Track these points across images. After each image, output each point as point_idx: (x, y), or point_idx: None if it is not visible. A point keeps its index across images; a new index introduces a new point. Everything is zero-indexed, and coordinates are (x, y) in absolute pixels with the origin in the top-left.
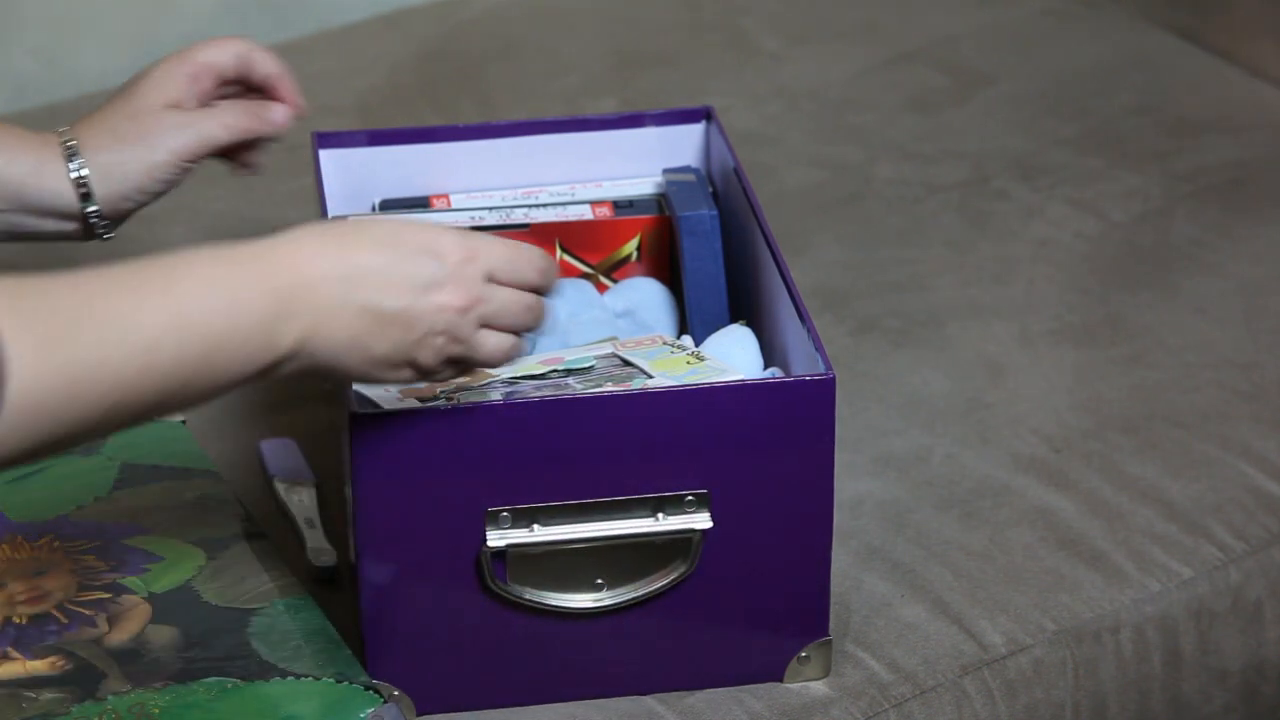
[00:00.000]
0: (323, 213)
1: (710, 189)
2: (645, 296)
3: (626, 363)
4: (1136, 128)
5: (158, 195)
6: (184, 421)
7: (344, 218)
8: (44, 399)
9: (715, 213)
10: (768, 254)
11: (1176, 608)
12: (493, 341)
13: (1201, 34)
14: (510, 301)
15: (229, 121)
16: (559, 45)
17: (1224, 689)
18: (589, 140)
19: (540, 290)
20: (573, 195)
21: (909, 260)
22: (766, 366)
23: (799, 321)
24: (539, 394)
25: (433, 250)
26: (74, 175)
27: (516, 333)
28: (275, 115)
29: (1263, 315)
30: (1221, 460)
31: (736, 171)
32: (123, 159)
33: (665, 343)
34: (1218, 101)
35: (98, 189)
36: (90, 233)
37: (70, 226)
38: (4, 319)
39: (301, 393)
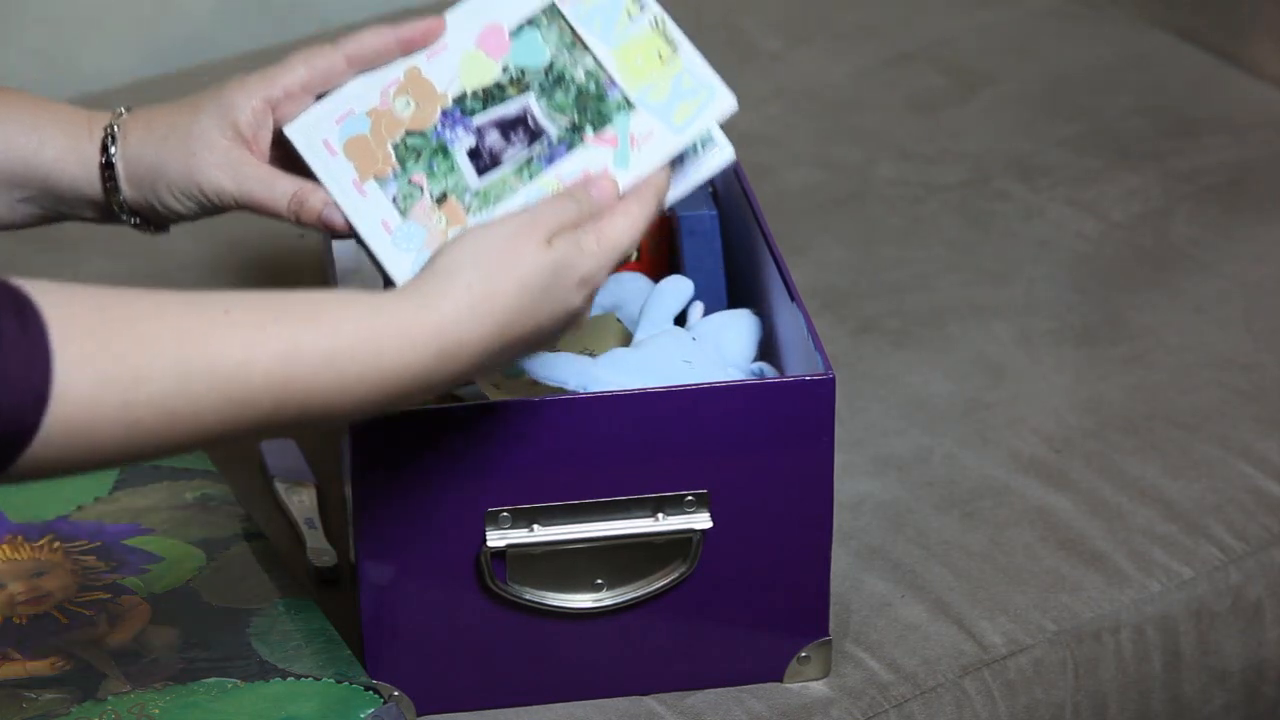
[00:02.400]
0: None
1: (710, 189)
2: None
3: (579, 40)
4: (1136, 128)
5: (209, 199)
6: None
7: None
8: (93, 432)
9: (715, 213)
10: (767, 254)
11: (1176, 608)
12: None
13: (1201, 34)
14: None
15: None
16: None
17: (1224, 689)
18: None
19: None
20: None
21: (909, 260)
22: (758, 359)
23: (799, 321)
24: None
25: (569, 294)
26: (101, 160)
27: None
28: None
29: (1263, 315)
30: (1221, 460)
31: (736, 171)
32: (156, 171)
33: None
34: (1218, 101)
35: (127, 178)
36: (117, 218)
37: (93, 215)
38: (61, 344)
39: None
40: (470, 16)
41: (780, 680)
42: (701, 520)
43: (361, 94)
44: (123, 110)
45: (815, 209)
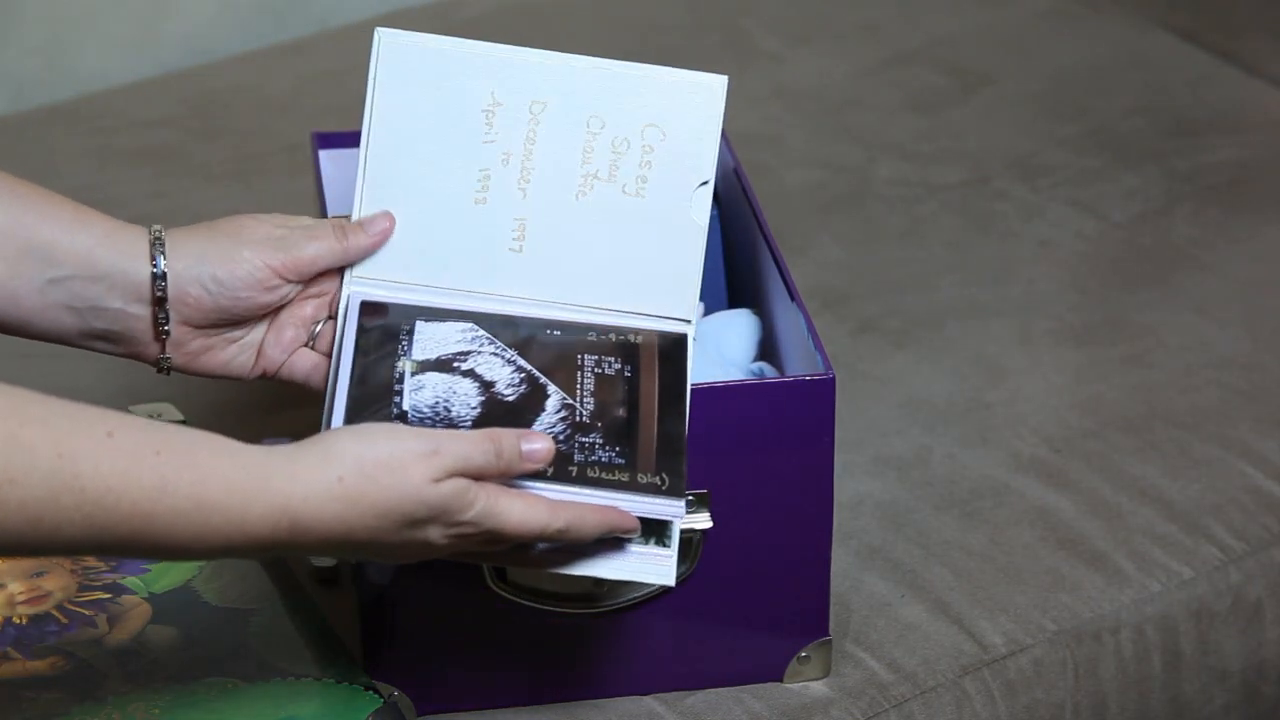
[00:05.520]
0: (322, 212)
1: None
2: None
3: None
4: (1136, 128)
5: (233, 310)
6: (184, 421)
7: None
8: None
9: (715, 213)
10: (767, 254)
11: (1176, 608)
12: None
13: (1201, 34)
14: (489, 557)
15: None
16: (559, 45)
17: (1224, 689)
18: None
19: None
20: None
21: (909, 260)
22: (759, 359)
23: (799, 321)
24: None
25: (446, 530)
26: (153, 234)
27: None
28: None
29: (1263, 315)
30: (1221, 460)
31: (736, 171)
32: (204, 246)
33: None
34: (1218, 101)
35: (172, 262)
36: (157, 321)
37: (140, 310)
38: None
39: (302, 393)
40: None
41: (780, 680)
42: (701, 520)
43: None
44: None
45: (815, 209)
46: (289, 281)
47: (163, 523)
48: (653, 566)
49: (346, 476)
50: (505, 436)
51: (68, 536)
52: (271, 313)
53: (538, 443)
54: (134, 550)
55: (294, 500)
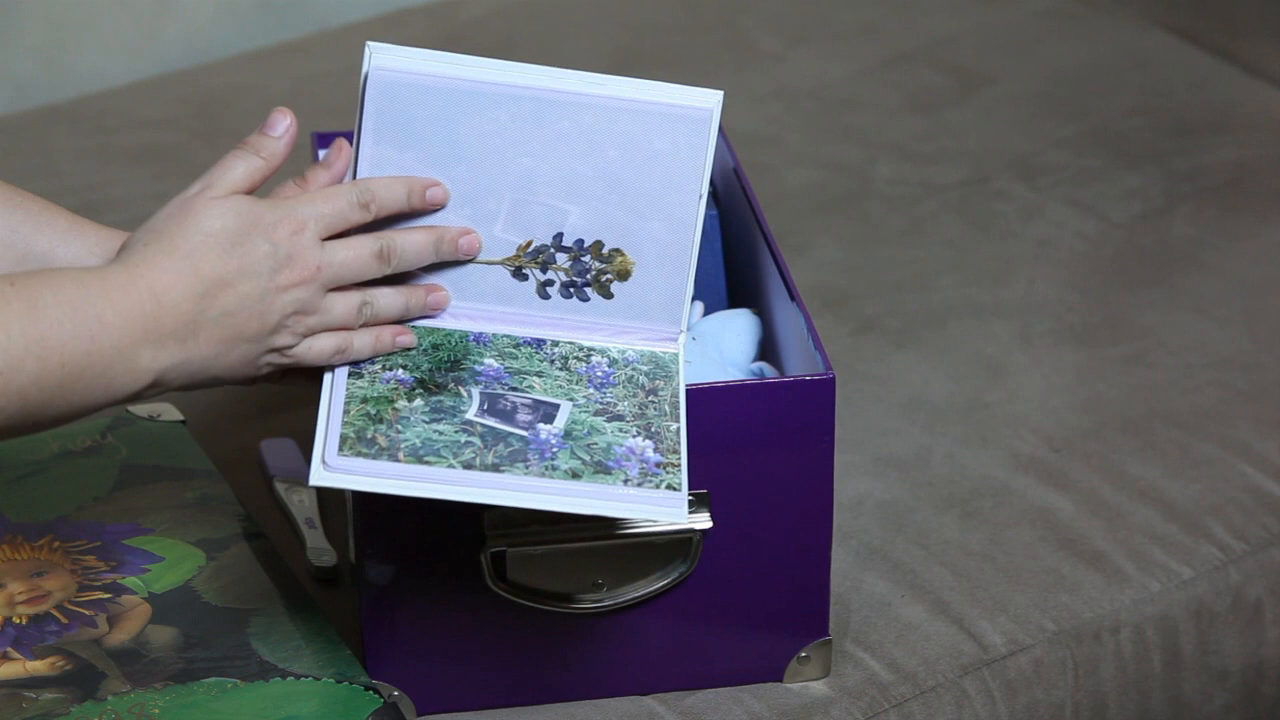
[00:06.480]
0: None
1: (711, 189)
2: None
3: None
4: (1136, 128)
5: None
6: (184, 421)
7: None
8: None
9: (715, 213)
10: (768, 254)
11: (1176, 608)
12: (340, 305)
13: (1201, 34)
14: (349, 259)
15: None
16: (559, 45)
17: (1224, 689)
18: None
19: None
20: None
21: (909, 260)
22: (759, 359)
23: (799, 321)
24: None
25: (265, 235)
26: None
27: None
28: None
29: (1263, 315)
30: (1221, 460)
31: (736, 171)
32: None
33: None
34: (1218, 101)
35: None
36: None
37: None
38: None
39: (301, 393)
40: None
41: (780, 680)
42: (701, 520)
43: None
44: None
45: (815, 209)
46: None
47: (52, 338)
48: (663, 508)
49: (151, 241)
50: (249, 138)
51: None
52: None
53: (276, 117)
54: (45, 387)
55: (139, 270)
